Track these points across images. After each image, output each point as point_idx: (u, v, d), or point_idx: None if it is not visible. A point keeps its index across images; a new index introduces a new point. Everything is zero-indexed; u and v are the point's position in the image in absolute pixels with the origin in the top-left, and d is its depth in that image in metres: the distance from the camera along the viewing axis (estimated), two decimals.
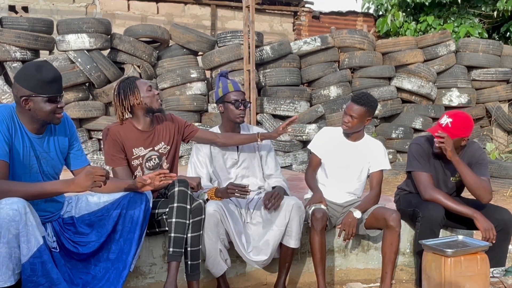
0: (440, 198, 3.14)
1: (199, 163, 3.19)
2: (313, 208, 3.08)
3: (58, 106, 2.41)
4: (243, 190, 2.87)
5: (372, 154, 3.28)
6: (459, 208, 3.12)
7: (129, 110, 2.93)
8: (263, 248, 2.97)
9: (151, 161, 3.01)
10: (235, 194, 2.88)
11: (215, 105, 7.77)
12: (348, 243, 3.40)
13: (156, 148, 3.03)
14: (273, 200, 2.99)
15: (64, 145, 2.60)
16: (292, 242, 3.01)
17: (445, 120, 3.13)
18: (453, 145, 3.04)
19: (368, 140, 3.32)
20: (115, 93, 2.94)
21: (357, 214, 3.10)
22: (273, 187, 3.23)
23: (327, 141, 3.33)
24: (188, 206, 2.72)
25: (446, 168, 3.28)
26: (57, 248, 2.53)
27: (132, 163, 2.98)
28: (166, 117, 3.10)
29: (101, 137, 7.25)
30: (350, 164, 3.28)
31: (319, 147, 3.34)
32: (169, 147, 3.07)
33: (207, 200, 3.01)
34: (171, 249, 2.68)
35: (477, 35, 10.43)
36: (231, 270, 3.14)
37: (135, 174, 2.99)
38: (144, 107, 2.93)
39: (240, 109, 3.16)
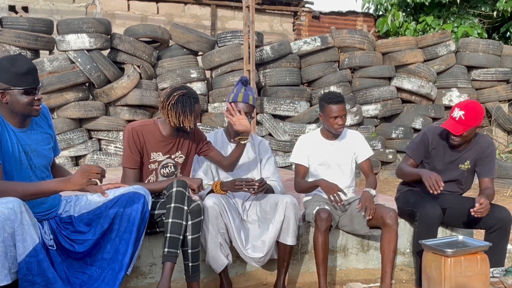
0: (401, 167, 3.32)
1: (199, 159, 3.24)
2: (317, 208, 3.08)
3: (35, 98, 2.39)
4: (250, 184, 2.93)
5: (356, 145, 3.36)
6: (414, 171, 3.23)
7: (179, 125, 2.88)
8: (260, 246, 2.99)
9: (166, 168, 3.02)
10: (243, 188, 2.95)
11: (215, 105, 7.77)
12: (349, 243, 3.41)
13: (172, 156, 3.02)
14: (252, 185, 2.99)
15: (49, 135, 2.60)
16: (289, 239, 3.02)
17: (457, 113, 3.12)
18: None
19: (348, 133, 3.39)
20: (172, 102, 2.85)
21: (373, 192, 3.19)
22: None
23: (309, 148, 3.33)
24: (185, 207, 2.71)
25: (456, 157, 3.30)
26: (54, 246, 2.53)
27: (148, 166, 2.97)
28: None
29: (101, 137, 7.25)
30: (340, 162, 3.33)
31: (303, 157, 3.34)
32: (184, 156, 3.07)
33: (211, 191, 3.02)
34: (166, 250, 2.66)
35: (476, 35, 10.42)
36: (231, 270, 3.14)
37: (148, 179, 2.99)
38: (179, 126, 2.91)
39: None
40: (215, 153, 3.16)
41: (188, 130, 2.93)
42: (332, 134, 3.30)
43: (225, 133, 3.35)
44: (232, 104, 3.10)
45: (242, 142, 3.11)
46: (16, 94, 2.34)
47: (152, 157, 2.97)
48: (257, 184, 2.95)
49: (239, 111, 3.10)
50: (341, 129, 3.24)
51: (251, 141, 3.35)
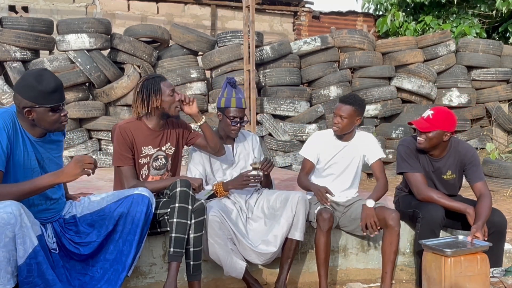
0: (433, 196, 3.17)
1: (195, 162, 3.23)
2: (319, 208, 3.08)
3: (62, 114, 2.39)
4: (257, 178, 3.02)
5: (366, 146, 3.30)
6: (453, 204, 3.16)
7: (148, 110, 2.92)
8: (272, 241, 2.99)
9: (158, 161, 3.03)
10: (250, 184, 3.01)
11: (215, 104, 7.77)
12: (349, 243, 3.41)
13: (163, 149, 3.04)
14: (267, 164, 3.09)
15: (60, 139, 2.62)
16: (298, 234, 3.04)
17: (427, 112, 3.21)
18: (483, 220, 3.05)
19: (360, 135, 3.35)
20: (137, 90, 2.93)
21: (370, 203, 3.10)
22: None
23: (320, 145, 3.32)
24: (190, 207, 2.72)
25: (436, 167, 3.29)
26: (57, 249, 2.53)
27: (140, 161, 2.98)
28: (174, 119, 3.11)
29: (101, 137, 7.25)
30: (347, 163, 3.30)
31: (312, 152, 3.34)
32: (174, 148, 3.08)
33: (212, 195, 3.04)
34: (171, 249, 2.68)
35: (474, 35, 10.41)
36: None
37: (141, 173, 3.00)
38: (161, 111, 2.94)
39: (236, 126, 3.20)
40: (201, 139, 3.17)
41: (171, 112, 2.93)
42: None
43: (217, 134, 3.30)
44: (182, 95, 3.02)
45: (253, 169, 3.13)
46: (42, 112, 2.33)
47: (143, 152, 2.98)
48: (260, 175, 3.04)
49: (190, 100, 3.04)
50: (335, 128, 3.22)
51: (242, 137, 3.38)
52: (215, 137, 3.12)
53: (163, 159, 3.05)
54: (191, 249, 2.76)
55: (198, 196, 2.95)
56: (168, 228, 2.75)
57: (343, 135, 3.27)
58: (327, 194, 3.12)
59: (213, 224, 2.84)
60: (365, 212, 3.10)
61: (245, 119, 3.25)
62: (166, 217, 2.80)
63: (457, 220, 3.26)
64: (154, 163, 3.02)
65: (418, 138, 3.21)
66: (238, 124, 3.19)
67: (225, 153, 3.22)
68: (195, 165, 3.22)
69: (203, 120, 3.07)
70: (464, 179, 3.38)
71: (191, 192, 2.75)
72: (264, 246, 2.99)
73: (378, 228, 3.10)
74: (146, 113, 2.96)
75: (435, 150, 3.24)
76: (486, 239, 2.99)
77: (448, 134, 3.17)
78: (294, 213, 3.02)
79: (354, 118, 3.19)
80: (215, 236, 2.86)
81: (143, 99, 2.89)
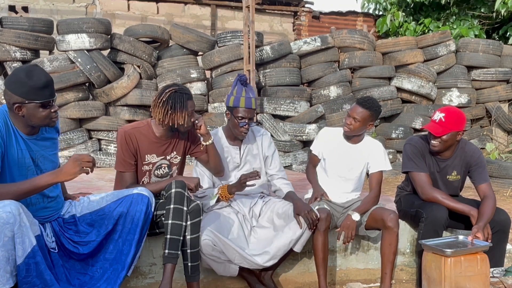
0: (438, 197, 3.15)
1: (201, 166, 3.18)
2: (316, 207, 3.08)
3: (52, 110, 2.37)
4: (253, 176, 2.94)
5: (372, 154, 3.28)
6: (457, 206, 3.14)
7: (166, 122, 2.82)
8: (272, 253, 2.96)
9: (160, 169, 2.99)
10: (248, 183, 2.95)
11: (215, 105, 7.77)
12: (348, 243, 3.41)
13: (167, 158, 2.99)
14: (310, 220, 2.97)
15: (55, 137, 2.61)
16: (298, 247, 3.05)
17: (438, 115, 3.16)
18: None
19: (368, 141, 3.33)
20: (164, 99, 2.80)
21: (356, 216, 3.10)
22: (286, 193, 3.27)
23: (327, 141, 3.33)
24: (185, 208, 2.68)
25: (442, 167, 3.28)
26: (56, 248, 2.52)
27: (142, 168, 2.94)
28: None
29: (101, 137, 7.25)
30: (351, 166, 3.28)
31: (319, 148, 3.36)
32: (180, 157, 3.03)
33: (217, 201, 3.02)
34: (166, 251, 2.65)
35: (473, 37, 10.40)
36: None
37: (142, 180, 2.97)
38: (174, 125, 2.86)
39: (244, 128, 3.08)
40: (204, 155, 3.08)
41: (182, 129, 2.88)
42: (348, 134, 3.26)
43: (225, 133, 3.24)
44: (196, 117, 2.92)
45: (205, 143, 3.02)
46: (32, 108, 2.31)
47: (146, 159, 2.93)
48: (258, 172, 2.97)
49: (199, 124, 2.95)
50: (346, 128, 3.20)
51: (251, 136, 3.27)
52: (218, 159, 3.07)
53: (166, 168, 3.00)
54: (188, 251, 2.73)
55: (205, 202, 2.93)
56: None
57: (352, 136, 3.26)
58: (324, 196, 3.24)
59: (206, 247, 2.81)
60: (347, 222, 3.10)
61: (253, 120, 3.14)
62: (163, 218, 2.77)
63: (460, 221, 3.25)
64: (156, 171, 2.97)
65: (432, 141, 3.17)
66: (246, 125, 3.07)
67: (224, 175, 3.16)
68: (201, 167, 3.16)
69: (211, 140, 3.00)
70: (467, 180, 3.38)
71: (186, 193, 2.70)
72: (265, 261, 2.93)
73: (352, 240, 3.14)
74: (162, 124, 2.87)
75: (447, 151, 3.24)
76: (489, 241, 2.98)
77: (461, 133, 3.17)
78: (303, 232, 3.00)
79: (367, 122, 3.17)
80: (209, 256, 2.85)
81: (167, 111, 2.79)
